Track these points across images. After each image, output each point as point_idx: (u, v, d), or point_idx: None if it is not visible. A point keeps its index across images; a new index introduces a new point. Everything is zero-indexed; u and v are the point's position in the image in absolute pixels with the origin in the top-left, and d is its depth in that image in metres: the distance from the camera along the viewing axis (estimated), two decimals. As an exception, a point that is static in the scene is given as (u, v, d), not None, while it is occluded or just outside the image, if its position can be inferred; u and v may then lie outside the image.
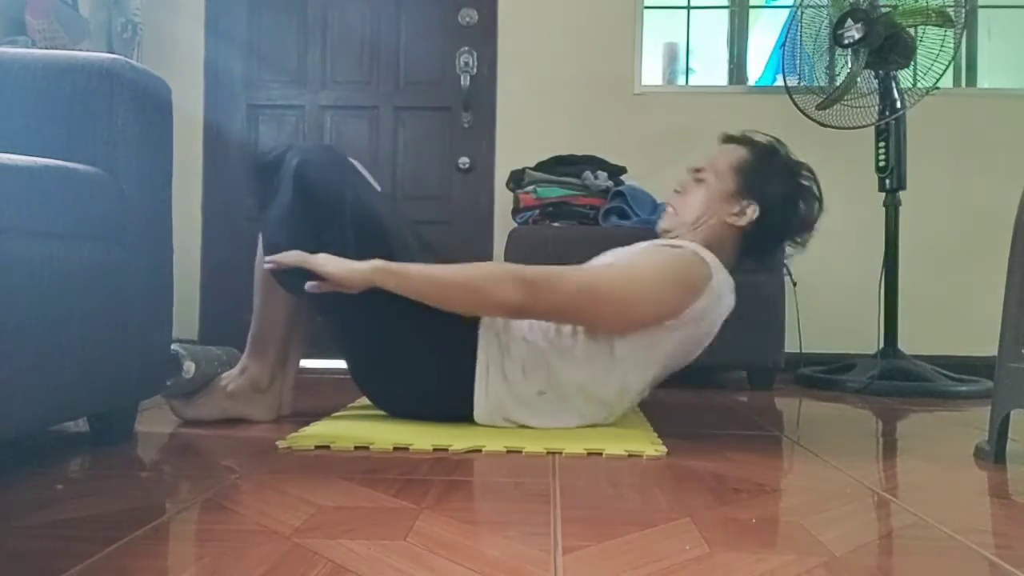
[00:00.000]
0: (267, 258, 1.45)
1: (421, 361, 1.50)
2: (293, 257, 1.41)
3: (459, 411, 1.51)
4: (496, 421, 1.50)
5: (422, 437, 1.38)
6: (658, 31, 3.15)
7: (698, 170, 1.62)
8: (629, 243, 2.31)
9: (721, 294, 1.49)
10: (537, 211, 2.52)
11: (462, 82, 2.98)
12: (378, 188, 1.64)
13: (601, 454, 1.31)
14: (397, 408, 1.59)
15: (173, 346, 1.51)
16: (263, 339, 1.62)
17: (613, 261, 1.55)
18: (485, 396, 1.49)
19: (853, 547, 0.86)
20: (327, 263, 1.39)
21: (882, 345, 2.49)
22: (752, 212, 1.55)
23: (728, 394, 2.27)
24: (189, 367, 1.52)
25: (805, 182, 1.58)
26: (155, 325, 1.38)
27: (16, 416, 1.04)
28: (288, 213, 1.48)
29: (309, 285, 1.41)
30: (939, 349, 2.77)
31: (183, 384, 1.54)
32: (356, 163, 1.62)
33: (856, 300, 2.74)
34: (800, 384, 2.52)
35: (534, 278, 1.39)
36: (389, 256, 1.45)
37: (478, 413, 1.50)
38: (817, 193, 1.58)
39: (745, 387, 2.42)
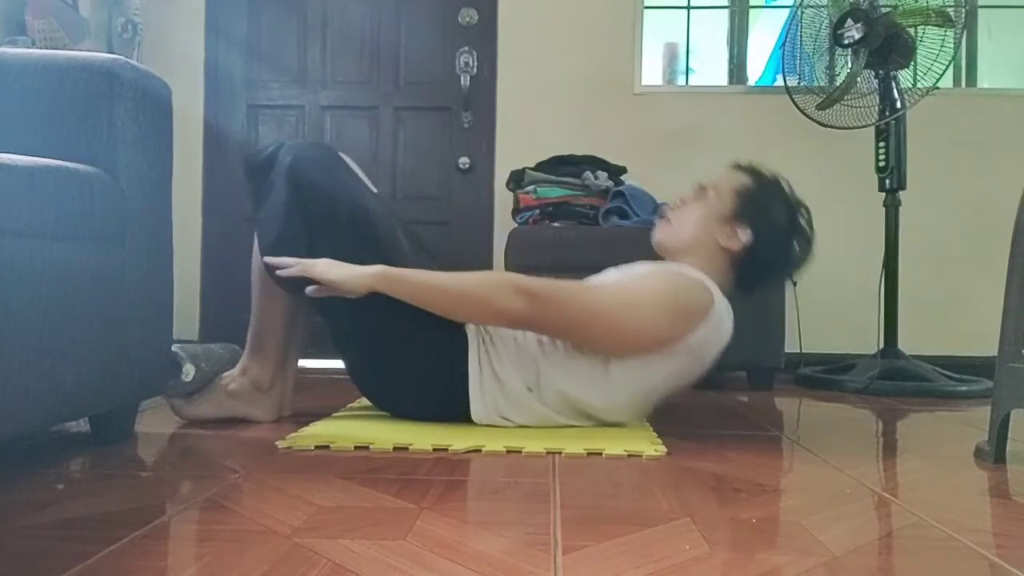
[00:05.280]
0: (267, 259, 1.45)
1: (417, 363, 1.50)
2: (295, 268, 1.41)
3: (457, 411, 1.51)
4: (493, 420, 1.51)
5: (422, 437, 1.38)
6: (658, 31, 3.15)
7: (701, 187, 1.62)
8: (629, 243, 2.33)
9: (721, 321, 1.49)
10: (537, 211, 2.52)
11: (462, 82, 2.98)
12: (371, 184, 1.65)
13: (601, 454, 1.31)
14: (397, 408, 1.59)
15: (173, 347, 1.51)
16: (263, 339, 1.62)
17: (616, 281, 1.54)
18: (480, 395, 1.50)
19: (853, 547, 0.86)
20: (329, 270, 1.40)
21: (882, 345, 2.49)
22: (745, 237, 1.54)
23: (728, 394, 2.27)
24: (188, 370, 1.52)
25: (801, 221, 1.58)
26: (155, 325, 1.38)
27: (16, 416, 1.04)
28: (282, 211, 1.48)
29: (310, 290, 1.41)
30: (939, 349, 2.77)
31: (183, 386, 1.54)
32: (348, 160, 1.62)
33: (856, 300, 2.74)
34: (800, 384, 2.52)
35: (536, 290, 1.39)
36: (380, 253, 1.45)
37: (475, 412, 1.50)
38: (809, 236, 1.58)
39: (745, 387, 2.42)
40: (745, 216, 1.55)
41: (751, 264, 1.56)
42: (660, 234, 1.64)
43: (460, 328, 1.49)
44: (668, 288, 1.46)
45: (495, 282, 1.41)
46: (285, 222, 1.48)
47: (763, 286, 1.64)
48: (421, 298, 1.42)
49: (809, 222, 1.58)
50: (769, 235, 1.55)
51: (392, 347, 1.50)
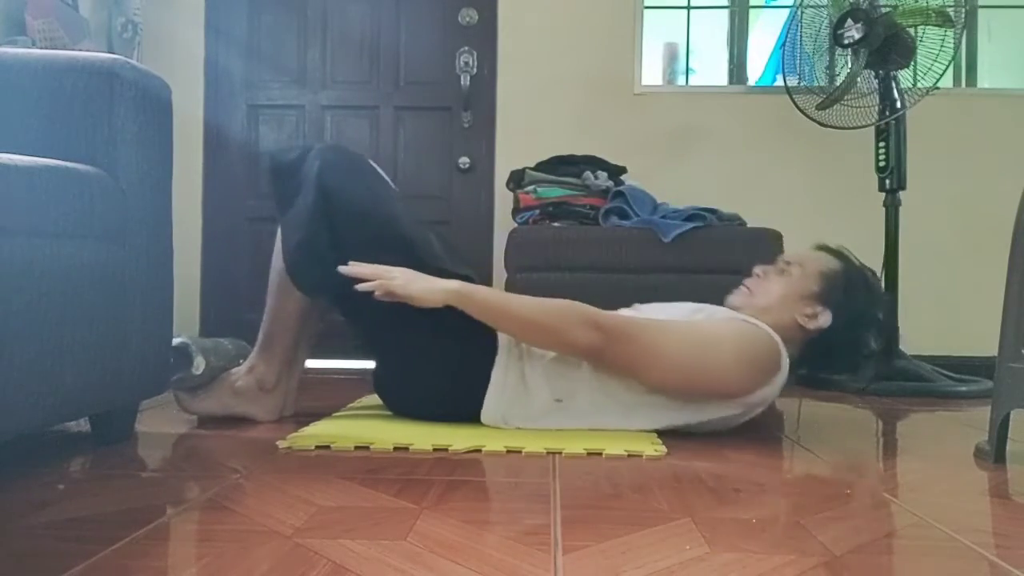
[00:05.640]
0: (343, 269, 1.43)
1: (442, 360, 1.50)
2: (374, 283, 1.40)
3: (464, 411, 1.51)
4: (498, 423, 1.51)
5: (422, 437, 1.38)
6: (658, 31, 3.15)
7: (786, 262, 1.61)
8: (629, 243, 2.33)
9: (781, 384, 1.49)
10: (537, 211, 2.52)
11: (462, 82, 2.98)
12: (395, 188, 1.66)
13: (601, 454, 1.31)
14: (409, 407, 1.59)
15: (185, 339, 1.51)
16: (272, 339, 1.62)
17: (691, 322, 1.51)
18: (498, 398, 1.49)
19: (853, 547, 0.86)
20: (407, 284, 1.40)
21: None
22: (824, 320, 1.52)
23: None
24: (199, 363, 1.52)
25: (879, 316, 1.57)
26: (155, 325, 1.38)
27: (17, 416, 1.04)
28: (307, 215, 1.48)
29: (362, 287, 1.40)
30: (939, 349, 2.77)
31: (191, 380, 1.54)
32: (374, 165, 1.64)
33: (856, 300, 2.74)
34: (800, 384, 2.52)
35: (610, 325, 1.41)
36: (414, 256, 1.47)
37: (485, 414, 1.50)
38: (883, 329, 1.57)
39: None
40: (828, 300, 1.54)
41: (821, 346, 1.55)
42: (737, 300, 1.62)
43: (491, 330, 1.49)
44: (743, 338, 1.45)
45: (570, 313, 1.41)
46: (309, 226, 1.48)
47: (823, 368, 1.63)
48: (494, 319, 1.43)
49: (888, 316, 1.58)
50: (847, 323, 1.53)
51: (419, 344, 1.49)
